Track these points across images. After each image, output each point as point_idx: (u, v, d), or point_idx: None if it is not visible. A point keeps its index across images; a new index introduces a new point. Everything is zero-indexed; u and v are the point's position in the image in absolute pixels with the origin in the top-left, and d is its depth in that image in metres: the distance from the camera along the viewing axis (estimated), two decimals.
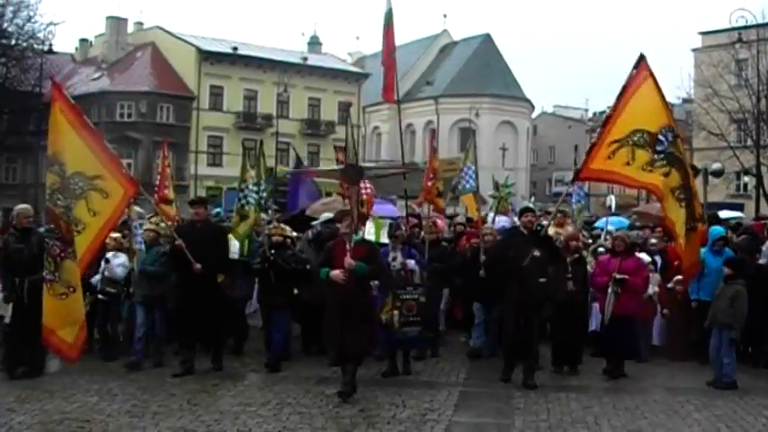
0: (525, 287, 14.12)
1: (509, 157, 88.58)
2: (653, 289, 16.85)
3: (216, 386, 13.97)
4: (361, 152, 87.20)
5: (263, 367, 15.29)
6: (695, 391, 14.01)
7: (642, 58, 14.07)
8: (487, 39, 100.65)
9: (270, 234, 16.28)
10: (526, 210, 15.77)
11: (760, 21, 51.63)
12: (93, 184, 13.79)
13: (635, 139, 13.60)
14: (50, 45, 66.64)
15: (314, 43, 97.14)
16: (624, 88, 13.85)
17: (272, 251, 15.79)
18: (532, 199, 27.75)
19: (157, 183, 21.42)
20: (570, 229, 18.51)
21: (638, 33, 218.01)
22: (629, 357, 15.49)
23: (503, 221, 19.96)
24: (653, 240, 18.73)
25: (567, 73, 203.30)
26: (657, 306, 17.23)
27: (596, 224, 24.06)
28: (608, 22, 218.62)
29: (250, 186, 16.94)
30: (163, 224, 16.66)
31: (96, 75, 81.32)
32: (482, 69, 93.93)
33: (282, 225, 16.97)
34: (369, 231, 17.36)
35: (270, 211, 18.87)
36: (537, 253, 14.04)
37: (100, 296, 16.41)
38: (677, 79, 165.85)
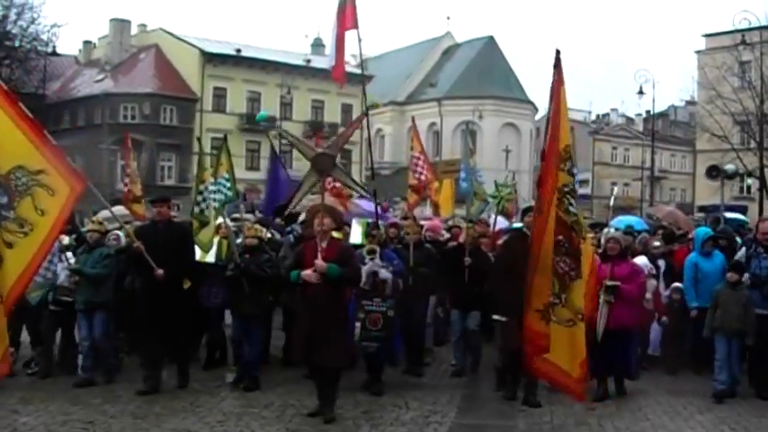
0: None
1: (512, 159, 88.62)
2: (647, 295, 15.10)
3: (219, 387, 13.94)
4: (365, 154, 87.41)
5: (233, 385, 14.01)
6: (698, 394, 13.83)
7: (558, 54, 12.09)
8: (491, 41, 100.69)
9: (245, 237, 14.88)
10: (529, 210, 13.76)
11: (763, 23, 51.66)
12: (38, 179, 11.97)
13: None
14: (54, 47, 67.08)
15: (317, 45, 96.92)
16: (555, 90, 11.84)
17: (246, 256, 14.37)
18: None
19: (126, 180, 20.46)
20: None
21: (642, 35, 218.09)
22: (625, 375, 13.91)
23: (502, 223, 19.50)
24: (656, 243, 17.41)
25: (570, 75, 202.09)
26: (652, 314, 15.76)
27: (612, 223, 21.48)
28: (611, 24, 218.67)
29: (210, 187, 14.80)
30: (110, 224, 15.28)
31: (99, 77, 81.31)
32: (485, 71, 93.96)
33: (257, 226, 15.37)
34: (355, 233, 16.46)
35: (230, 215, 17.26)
36: None
37: (52, 307, 14.80)
38: (681, 81, 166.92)
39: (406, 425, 11.84)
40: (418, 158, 18.04)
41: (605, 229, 15.46)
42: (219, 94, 79.36)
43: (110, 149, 62.77)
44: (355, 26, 17.47)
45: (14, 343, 14.59)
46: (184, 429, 11.42)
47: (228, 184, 15.64)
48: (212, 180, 14.92)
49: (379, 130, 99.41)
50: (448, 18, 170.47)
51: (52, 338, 15.17)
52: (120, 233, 15.40)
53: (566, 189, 11.31)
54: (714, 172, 24.22)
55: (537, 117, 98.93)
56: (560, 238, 11.12)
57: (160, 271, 13.30)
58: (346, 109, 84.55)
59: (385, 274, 13.88)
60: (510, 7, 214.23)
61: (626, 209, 55.64)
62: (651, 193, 78.19)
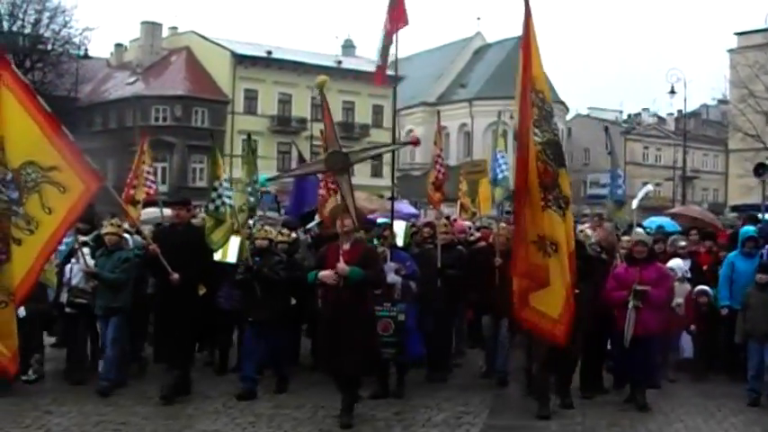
0: None
1: None
2: (677, 300, 14.61)
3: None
4: (396, 155, 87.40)
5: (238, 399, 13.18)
6: (732, 395, 13.68)
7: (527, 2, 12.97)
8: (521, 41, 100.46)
9: (254, 238, 14.41)
10: None
11: None
12: (49, 176, 11.63)
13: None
14: (86, 50, 67.57)
15: (348, 46, 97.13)
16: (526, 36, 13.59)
17: (256, 258, 13.92)
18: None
19: (134, 181, 19.27)
20: (602, 231, 16.03)
21: (673, 34, 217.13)
22: (651, 385, 13.15)
23: None
24: (682, 243, 16.66)
25: (602, 74, 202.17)
26: (682, 319, 15.10)
27: (645, 224, 21.53)
28: (642, 23, 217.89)
29: (224, 184, 14.10)
30: (126, 226, 14.96)
31: (131, 79, 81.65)
32: (516, 71, 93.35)
33: (267, 227, 15.06)
34: (399, 235, 15.59)
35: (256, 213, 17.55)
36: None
37: (67, 309, 14.45)
38: (712, 80, 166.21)
39: (437, 426, 11.83)
40: (439, 155, 17.50)
41: (638, 229, 15.26)
42: (251, 96, 79.46)
43: (142, 152, 63.16)
44: (406, 22, 17.11)
45: (38, 348, 14.62)
46: (216, 430, 11.47)
47: (254, 185, 16.19)
48: (226, 177, 14.51)
49: (410, 131, 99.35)
50: (478, 18, 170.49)
51: (73, 341, 14.78)
52: (127, 236, 15.00)
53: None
54: (761, 170, 24.00)
55: (568, 117, 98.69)
56: (539, 164, 11.77)
57: (175, 275, 12.93)
58: (377, 110, 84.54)
59: (393, 278, 13.52)
60: (540, 7, 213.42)
61: (657, 209, 55.39)
62: (683, 193, 77.74)
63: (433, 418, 12.24)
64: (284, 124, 78.23)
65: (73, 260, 14.45)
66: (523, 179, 11.61)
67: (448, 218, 18.80)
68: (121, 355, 13.95)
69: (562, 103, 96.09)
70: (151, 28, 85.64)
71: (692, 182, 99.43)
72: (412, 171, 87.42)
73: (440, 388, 14.20)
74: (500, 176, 17.18)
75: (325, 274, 11.59)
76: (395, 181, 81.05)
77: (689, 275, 15.54)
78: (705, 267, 16.05)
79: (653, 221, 22.15)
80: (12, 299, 11.34)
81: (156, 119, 75.53)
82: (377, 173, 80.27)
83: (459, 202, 22.39)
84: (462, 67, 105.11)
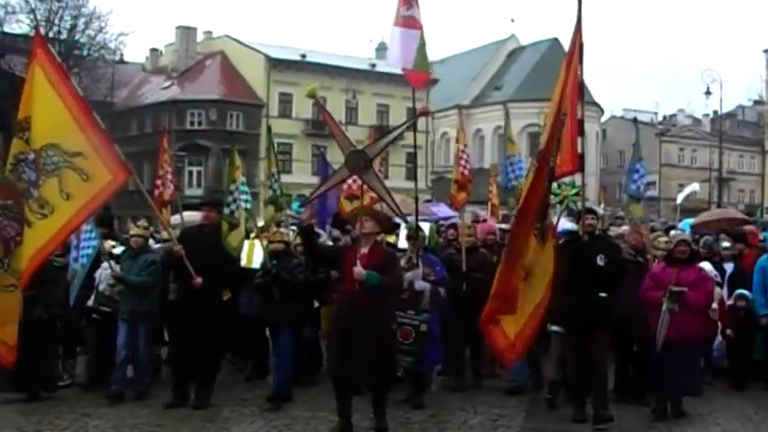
0: (583, 302, 11.66)
1: None
2: (713, 305, 13.39)
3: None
4: (431, 158, 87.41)
5: (267, 402, 12.89)
6: None
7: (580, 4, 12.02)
8: (555, 43, 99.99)
9: (269, 241, 13.92)
10: (588, 211, 12.83)
11: None
12: (72, 161, 11.11)
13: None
14: (121, 55, 67.99)
15: (382, 49, 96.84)
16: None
17: (273, 261, 13.41)
18: (602, 205, 26.12)
19: (158, 182, 18.45)
20: (635, 234, 15.27)
21: (708, 34, 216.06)
22: (687, 393, 12.48)
23: (566, 225, 18.47)
24: (725, 244, 15.94)
25: (637, 76, 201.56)
26: (716, 324, 14.16)
27: (680, 225, 20.58)
28: (677, 23, 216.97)
29: (240, 188, 13.62)
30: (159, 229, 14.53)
31: (166, 84, 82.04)
32: (550, 73, 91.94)
33: (282, 230, 14.74)
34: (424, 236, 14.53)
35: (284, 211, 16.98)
36: (600, 262, 11.81)
37: (94, 315, 14.12)
38: (748, 81, 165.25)
39: (473, 429, 11.80)
40: (463, 151, 17.12)
41: (672, 231, 15.00)
42: (285, 100, 79.63)
43: (177, 155, 63.31)
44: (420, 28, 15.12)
45: (72, 353, 14.93)
46: None
47: (276, 182, 16.27)
48: (243, 180, 14.07)
49: (445, 133, 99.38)
50: (512, 20, 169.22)
51: (96, 347, 14.33)
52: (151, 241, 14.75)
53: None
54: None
55: (603, 119, 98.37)
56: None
57: (198, 279, 12.52)
58: (412, 113, 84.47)
59: (421, 284, 13.03)
60: (574, 9, 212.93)
61: (693, 211, 55.19)
62: (719, 194, 77.34)
63: (469, 421, 12.19)
64: (319, 128, 78.24)
65: (104, 265, 13.90)
66: (535, 202, 10.83)
67: (477, 219, 18.61)
68: (148, 362, 13.85)
69: (597, 104, 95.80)
70: (186, 33, 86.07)
71: (728, 183, 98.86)
72: (447, 174, 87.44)
73: (476, 392, 14.12)
74: (513, 183, 17.32)
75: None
76: (428, 183, 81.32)
77: (719, 279, 14.74)
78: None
79: (686, 223, 21.81)
80: (20, 283, 10.91)
81: (192, 123, 75.90)
82: (411, 175, 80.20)
83: (489, 203, 22.26)
84: (496, 70, 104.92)
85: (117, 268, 13.65)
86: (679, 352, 12.01)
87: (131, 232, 14.33)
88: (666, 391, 12.34)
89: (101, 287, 13.95)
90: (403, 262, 12.97)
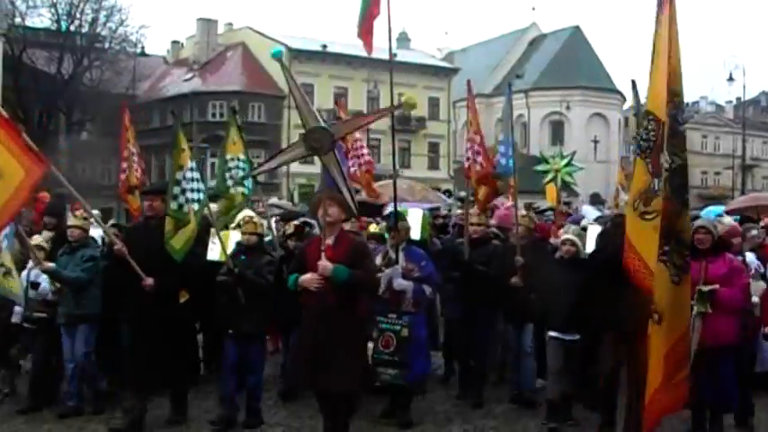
0: (630, 302, 9.20)
1: (600, 150, 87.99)
2: (753, 299, 10.86)
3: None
4: (453, 147, 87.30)
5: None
6: None
7: None
8: (577, 31, 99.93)
9: (242, 233, 12.06)
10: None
11: None
12: None
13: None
14: (142, 48, 68.25)
15: (403, 39, 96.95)
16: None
17: (242, 258, 11.70)
18: (623, 196, 23.98)
19: (123, 165, 16.74)
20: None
21: (731, 20, 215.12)
22: (725, 410, 10.50)
23: (591, 213, 17.50)
24: (753, 232, 13.56)
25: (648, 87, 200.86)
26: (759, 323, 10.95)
27: (702, 214, 17.19)
28: (699, 10, 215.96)
29: (188, 175, 11.25)
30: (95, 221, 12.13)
31: (188, 76, 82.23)
32: (572, 62, 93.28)
33: (256, 219, 12.41)
34: (414, 227, 12.69)
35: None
36: None
37: (26, 324, 12.27)
38: None
39: (497, 418, 11.70)
40: (473, 139, 13.77)
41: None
42: (306, 90, 78.62)
43: (199, 147, 63.43)
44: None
45: (4, 364, 13.12)
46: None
47: (246, 167, 13.75)
48: (193, 165, 11.43)
49: (467, 122, 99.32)
50: (533, 9, 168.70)
51: (33, 359, 12.68)
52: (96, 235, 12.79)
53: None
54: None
55: (625, 107, 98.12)
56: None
57: (149, 280, 10.82)
58: (434, 102, 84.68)
59: (402, 283, 11.24)
60: None
61: (717, 198, 54.93)
62: (743, 181, 77.12)
63: (494, 410, 12.08)
64: (341, 118, 78.29)
65: (29, 265, 12.24)
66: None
67: (493, 208, 15.76)
68: (93, 372, 12.05)
69: (619, 92, 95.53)
70: (207, 24, 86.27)
71: (752, 170, 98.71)
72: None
73: (499, 384, 13.50)
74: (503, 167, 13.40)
75: (306, 278, 9.25)
76: (450, 173, 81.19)
77: (762, 270, 12.26)
78: None
79: (710, 211, 19.94)
80: None
81: (213, 114, 76.01)
82: (433, 165, 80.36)
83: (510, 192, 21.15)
84: (518, 58, 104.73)
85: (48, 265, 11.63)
86: (715, 360, 10.05)
87: (69, 223, 12.38)
88: (703, 408, 10.35)
89: (31, 293, 12.05)
90: (378, 259, 11.48)
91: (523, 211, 13.82)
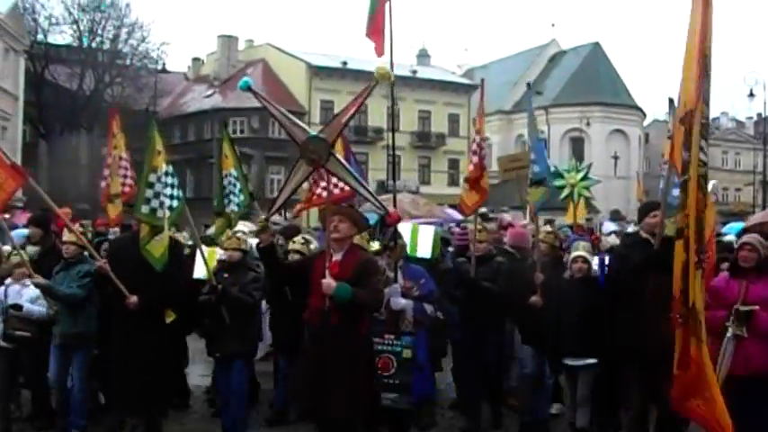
0: (652, 328, 8.76)
1: (621, 166, 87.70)
2: None
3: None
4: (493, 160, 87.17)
5: None
6: None
7: None
8: (596, 47, 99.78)
9: (225, 248, 11.66)
10: (651, 206, 10.01)
11: None
12: None
13: None
14: (163, 64, 68.58)
15: (423, 56, 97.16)
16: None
17: (225, 275, 11.27)
18: None
19: (105, 171, 16.06)
20: None
21: (751, 36, 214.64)
22: None
23: (610, 227, 17.11)
24: None
25: (678, 79, 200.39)
26: None
27: (724, 230, 18.07)
28: (718, 27, 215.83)
29: (164, 179, 10.46)
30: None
31: (209, 92, 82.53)
32: (592, 78, 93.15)
33: (240, 234, 12.08)
34: (423, 244, 12.71)
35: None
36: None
37: (3, 343, 11.43)
38: None
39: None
40: (478, 137, 13.01)
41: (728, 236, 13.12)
42: (327, 107, 79.70)
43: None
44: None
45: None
46: None
47: (239, 185, 12.97)
48: (166, 169, 10.54)
49: (486, 138, 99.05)
50: (553, 25, 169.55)
51: (7, 384, 11.81)
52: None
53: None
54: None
55: (645, 123, 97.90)
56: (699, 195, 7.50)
57: (133, 298, 10.15)
58: (454, 119, 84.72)
59: (400, 302, 10.53)
60: (615, 12, 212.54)
61: (737, 215, 54.65)
62: (764, 197, 76.73)
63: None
64: (361, 134, 78.35)
65: (7, 281, 11.72)
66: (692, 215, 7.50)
67: (502, 224, 16.10)
68: (86, 396, 11.55)
69: (639, 108, 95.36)
70: (227, 41, 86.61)
71: None
72: (491, 179, 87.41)
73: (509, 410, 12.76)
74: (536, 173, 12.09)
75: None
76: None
77: None
78: None
79: (732, 228, 19.50)
80: None
81: (234, 131, 76.14)
82: (453, 181, 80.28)
83: (528, 208, 20.31)
84: (538, 75, 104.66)
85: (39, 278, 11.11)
86: (748, 392, 8.85)
87: (63, 238, 11.66)
88: None
89: (10, 311, 11.37)
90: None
91: (548, 228, 13.34)
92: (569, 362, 10.79)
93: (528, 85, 14.79)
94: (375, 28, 13.28)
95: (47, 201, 10.57)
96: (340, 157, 9.69)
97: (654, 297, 8.74)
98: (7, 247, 12.31)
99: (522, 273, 11.89)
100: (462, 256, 12.83)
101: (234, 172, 12.95)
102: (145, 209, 10.19)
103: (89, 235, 13.69)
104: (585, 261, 10.96)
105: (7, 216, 12.11)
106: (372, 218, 12.40)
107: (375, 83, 9.00)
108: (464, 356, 12.28)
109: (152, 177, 10.32)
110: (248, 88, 9.67)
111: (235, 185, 12.95)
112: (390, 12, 12.73)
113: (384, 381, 9.98)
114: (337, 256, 9.01)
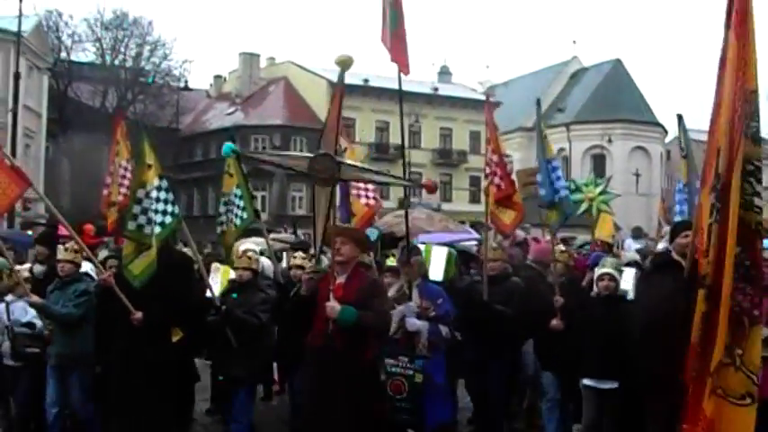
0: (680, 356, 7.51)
1: (642, 183, 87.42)
2: None
3: None
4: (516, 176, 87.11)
5: None
6: None
7: None
8: (618, 63, 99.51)
9: (235, 267, 11.37)
10: (683, 226, 9.22)
11: None
12: None
13: None
14: (186, 82, 68.99)
15: (444, 73, 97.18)
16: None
17: (234, 295, 11.01)
18: (666, 228, 22.08)
19: (108, 179, 15.64)
20: None
21: None
22: None
23: (632, 246, 16.51)
24: None
25: (702, 96, 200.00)
26: None
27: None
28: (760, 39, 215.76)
29: (154, 194, 10.00)
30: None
31: (230, 109, 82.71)
32: (613, 95, 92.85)
33: (251, 253, 11.72)
34: (436, 267, 12.21)
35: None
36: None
37: (9, 362, 11.18)
38: None
39: None
40: (491, 160, 12.31)
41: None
42: (348, 124, 79.58)
43: None
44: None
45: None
46: None
47: (242, 203, 12.28)
48: (159, 184, 10.14)
49: (507, 156, 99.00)
50: (574, 42, 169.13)
51: (11, 401, 11.71)
52: (89, 267, 11.56)
53: (749, 167, 6.77)
54: None
55: (667, 140, 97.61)
56: (738, 249, 6.76)
57: (138, 314, 9.71)
58: (474, 136, 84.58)
59: (415, 323, 10.20)
60: (636, 29, 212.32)
61: None
62: None
63: None
64: (382, 152, 78.30)
65: (8, 297, 11.47)
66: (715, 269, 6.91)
67: (516, 241, 15.51)
68: (88, 419, 11.02)
69: (661, 125, 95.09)
70: (249, 59, 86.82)
71: None
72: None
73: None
74: (560, 195, 11.59)
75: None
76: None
77: None
78: None
79: None
80: None
81: (256, 148, 76.17)
82: (475, 199, 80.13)
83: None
84: (559, 92, 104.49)
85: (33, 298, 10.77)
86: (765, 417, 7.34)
87: (58, 257, 11.33)
88: None
89: (16, 327, 11.16)
90: (392, 291, 10.55)
91: (562, 246, 13.04)
92: (590, 383, 10.27)
93: (537, 101, 13.32)
94: (398, 47, 12.43)
95: (53, 210, 10.53)
96: (349, 160, 9.75)
97: (684, 322, 7.52)
98: (20, 267, 12.04)
99: (540, 294, 11.42)
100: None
101: (237, 191, 12.44)
102: (131, 225, 9.84)
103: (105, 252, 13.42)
104: (612, 278, 10.43)
105: (30, 233, 12.06)
106: (373, 234, 12.46)
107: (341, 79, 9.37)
108: (476, 376, 11.82)
109: (140, 193, 9.95)
110: (232, 151, 10.16)
111: (237, 205, 12.37)
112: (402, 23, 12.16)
113: (396, 404, 9.76)
114: (341, 279, 8.85)
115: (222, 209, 12.23)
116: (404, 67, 12.35)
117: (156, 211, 9.97)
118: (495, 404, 11.72)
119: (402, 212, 12.78)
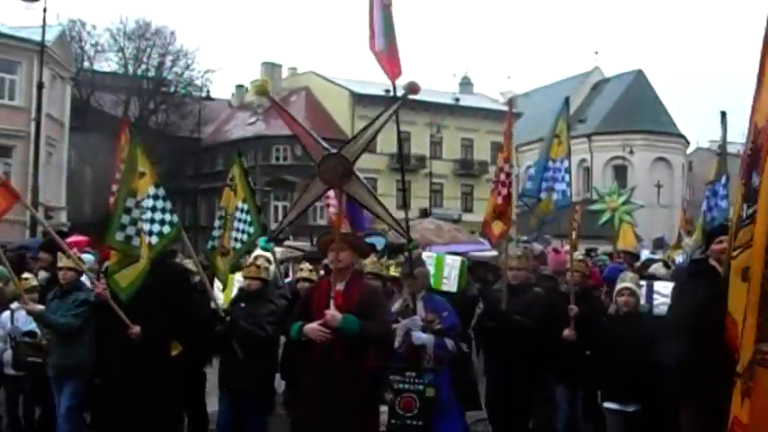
0: (716, 371, 6.75)
1: (664, 194, 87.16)
2: None
3: None
4: (515, 191, 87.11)
5: None
6: None
7: None
8: (640, 74, 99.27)
9: (245, 276, 11.02)
10: (720, 230, 8.67)
11: None
12: None
13: None
14: (208, 92, 69.53)
15: (465, 83, 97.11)
16: None
17: (242, 305, 10.75)
18: (689, 238, 21.84)
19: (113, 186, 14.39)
20: None
21: None
22: None
23: (643, 255, 16.25)
24: None
25: (723, 106, 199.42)
26: None
27: None
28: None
29: (145, 204, 9.76)
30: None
31: (252, 119, 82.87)
32: (635, 106, 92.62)
33: (261, 261, 11.43)
34: (450, 278, 12.20)
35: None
36: None
37: (11, 371, 11.36)
38: None
39: None
40: (502, 168, 12.34)
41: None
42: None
43: (263, 191, 63.88)
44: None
45: None
46: None
47: (248, 218, 11.94)
48: (156, 192, 9.95)
49: (529, 167, 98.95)
50: (596, 53, 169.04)
51: (17, 412, 11.82)
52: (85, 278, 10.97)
53: None
54: None
55: (688, 151, 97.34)
56: None
57: (136, 328, 9.56)
58: (496, 147, 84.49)
59: (420, 336, 9.73)
60: (658, 40, 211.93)
61: None
62: None
63: None
64: (404, 162, 78.44)
65: (14, 305, 11.48)
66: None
67: (533, 254, 15.21)
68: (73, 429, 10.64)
69: (682, 136, 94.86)
70: (271, 69, 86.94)
71: None
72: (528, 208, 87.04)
73: None
74: (541, 196, 11.77)
75: (312, 327, 8.28)
76: (513, 217, 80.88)
77: None
78: None
79: None
80: None
81: (277, 158, 76.56)
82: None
83: (570, 239, 19.25)
84: (580, 102, 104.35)
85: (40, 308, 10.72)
86: None
87: (59, 264, 10.99)
88: None
89: (17, 337, 11.21)
90: (396, 306, 10.13)
91: (580, 255, 12.81)
92: (614, 407, 9.97)
93: (566, 100, 12.66)
94: (392, 56, 12.08)
95: (42, 222, 10.30)
96: (361, 176, 9.29)
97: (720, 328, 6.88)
98: (29, 275, 11.91)
99: (559, 305, 11.07)
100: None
101: (242, 205, 12.09)
102: (119, 236, 9.42)
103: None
104: (633, 294, 10.12)
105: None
106: (380, 242, 12.37)
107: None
108: (495, 391, 11.54)
109: (129, 202, 9.50)
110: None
111: (241, 220, 12.01)
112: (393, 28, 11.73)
113: (407, 422, 9.39)
114: (339, 286, 8.57)
115: (217, 223, 11.82)
116: (394, 77, 11.99)
117: (153, 221, 9.81)
118: (514, 418, 11.33)
119: (414, 221, 12.43)
